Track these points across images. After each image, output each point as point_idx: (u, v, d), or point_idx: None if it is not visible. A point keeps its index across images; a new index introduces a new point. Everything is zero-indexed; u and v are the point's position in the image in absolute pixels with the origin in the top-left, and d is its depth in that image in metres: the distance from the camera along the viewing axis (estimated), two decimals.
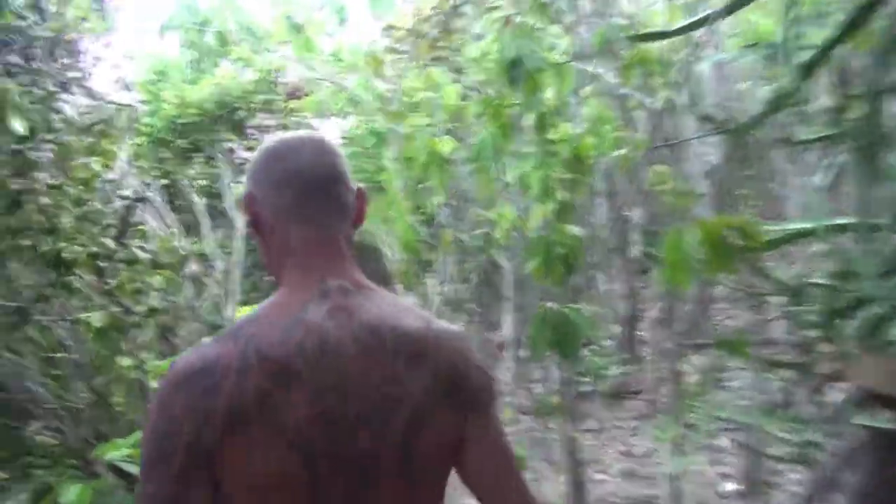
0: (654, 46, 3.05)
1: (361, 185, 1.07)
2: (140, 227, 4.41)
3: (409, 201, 4.19)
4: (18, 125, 2.64)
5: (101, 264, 3.40)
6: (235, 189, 8.45)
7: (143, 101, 8.19)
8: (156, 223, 5.28)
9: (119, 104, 4.49)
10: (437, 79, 4.56)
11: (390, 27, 8.32)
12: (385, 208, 4.03)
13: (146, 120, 8.70)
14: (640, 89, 3.42)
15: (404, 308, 1.01)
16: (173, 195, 7.84)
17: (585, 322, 2.05)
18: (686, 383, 4.26)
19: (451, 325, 1.07)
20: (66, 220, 3.09)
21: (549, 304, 2.22)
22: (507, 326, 7.59)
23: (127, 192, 3.66)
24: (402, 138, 4.25)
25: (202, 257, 5.60)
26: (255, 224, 1.02)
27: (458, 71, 5.48)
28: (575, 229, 2.40)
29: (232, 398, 0.84)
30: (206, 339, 1.05)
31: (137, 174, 5.59)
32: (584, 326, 2.06)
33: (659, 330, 5.56)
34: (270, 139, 1.06)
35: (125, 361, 3.22)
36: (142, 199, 3.73)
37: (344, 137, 10.02)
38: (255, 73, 8.94)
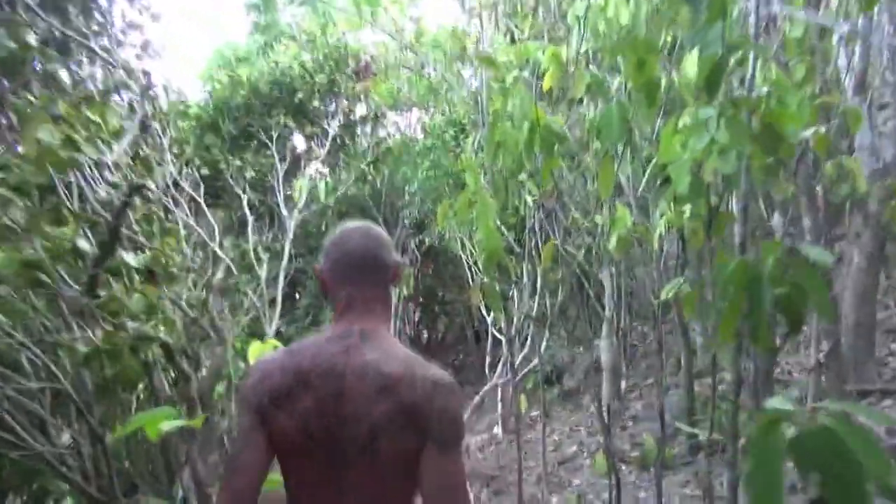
0: None
1: (399, 260, 1.60)
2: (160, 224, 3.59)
3: (496, 199, 3.15)
4: None
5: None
6: (295, 183, 7.82)
7: (199, 86, 7.48)
8: (192, 221, 4.48)
9: (134, 74, 3.63)
10: (532, 51, 3.48)
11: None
12: (463, 210, 3.00)
13: (197, 104, 7.95)
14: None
15: (397, 355, 1.45)
16: (220, 188, 7.13)
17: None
18: None
19: (437, 375, 1.43)
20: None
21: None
22: (605, 353, 6.49)
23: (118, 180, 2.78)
24: (489, 124, 3.21)
25: (243, 262, 4.80)
26: (322, 286, 1.58)
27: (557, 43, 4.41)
28: (815, 252, 1.28)
29: (273, 388, 1.42)
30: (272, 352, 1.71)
31: (175, 162, 4.82)
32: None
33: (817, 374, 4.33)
34: (339, 228, 1.59)
35: None
36: (139, 189, 2.84)
37: (424, 129, 9.23)
38: (318, 52, 7.96)
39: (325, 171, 8.46)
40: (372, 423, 1.36)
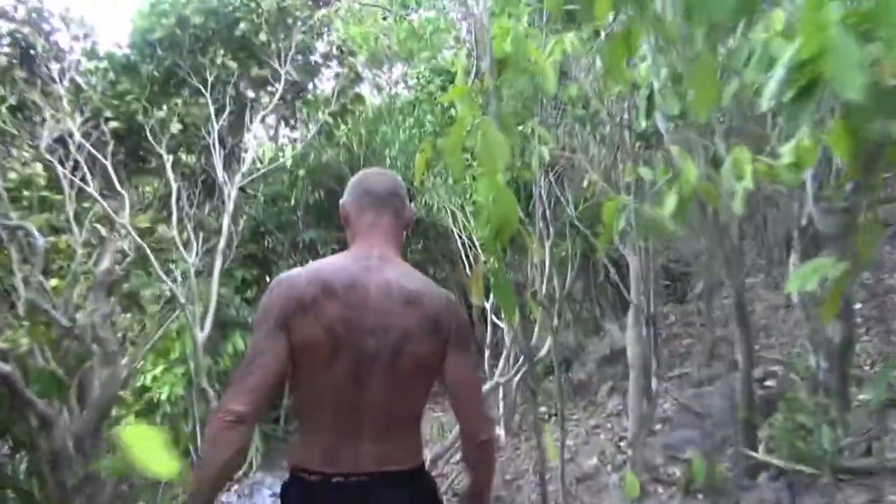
0: None
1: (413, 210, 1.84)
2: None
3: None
4: None
5: None
6: (247, 145, 6.76)
7: None
8: (94, 189, 3.30)
9: None
10: None
11: None
12: (453, 152, 1.90)
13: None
14: None
15: (415, 275, 1.70)
16: (147, 150, 5.51)
17: None
18: None
19: (448, 293, 1.73)
20: None
21: None
22: (632, 346, 5.31)
23: None
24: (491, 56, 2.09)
25: (160, 246, 3.65)
26: (344, 219, 1.76)
27: None
28: None
29: (300, 297, 1.55)
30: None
31: (79, 113, 3.65)
32: None
33: None
34: (362, 171, 1.89)
35: None
36: None
37: (407, 83, 8.09)
38: None
39: (286, 130, 7.30)
40: (403, 331, 1.59)
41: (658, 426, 5.34)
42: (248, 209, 7.09)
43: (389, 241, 1.71)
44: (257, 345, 1.55)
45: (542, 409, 6.44)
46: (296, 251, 7.44)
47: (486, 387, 6.74)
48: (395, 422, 1.63)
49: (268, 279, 7.92)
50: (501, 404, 6.50)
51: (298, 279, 1.58)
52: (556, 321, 5.72)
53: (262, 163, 6.95)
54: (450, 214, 6.33)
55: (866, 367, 4.62)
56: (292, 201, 6.94)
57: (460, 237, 6.20)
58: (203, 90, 5.40)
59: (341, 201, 1.77)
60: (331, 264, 1.65)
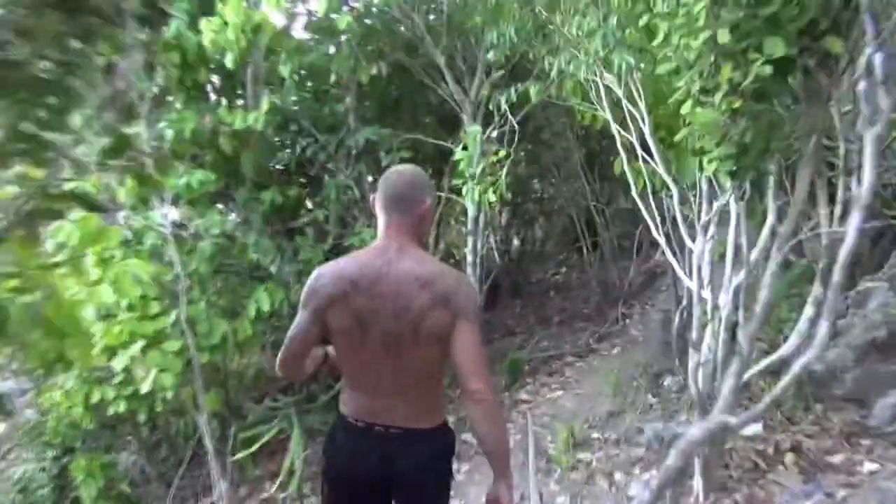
0: None
1: (430, 200, 2.08)
2: None
3: None
4: None
5: None
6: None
7: None
8: None
9: None
10: None
11: None
12: None
13: None
14: None
15: (427, 260, 2.01)
16: None
17: None
18: None
19: (458, 273, 2.05)
20: None
21: None
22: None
23: None
24: None
25: None
26: (373, 209, 2.08)
27: None
28: None
29: (331, 293, 1.95)
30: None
31: None
32: None
33: None
34: (389, 170, 2.15)
35: None
36: None
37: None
38: None
39: None
40: (420, 309, 1.90)
41: None
42: (268, 91, 4.62)
43: (405, 234, 2.02)
44: (297, 324, 2.04)
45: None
46: (347, 161, 4.95)
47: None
48: (421, 385, 2.02)
49: (308, 203, 5.52)
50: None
51: (332, 276, 1.98)
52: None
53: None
54: (591, 86, 3.64)
55: None
56: (333, 78, 4.42)
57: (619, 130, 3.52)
58: None
59: (371, 196, 2.10)
60: (357, 261, 2.00)
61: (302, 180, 5.69)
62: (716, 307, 3.04)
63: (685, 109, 2.48)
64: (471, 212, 4.68)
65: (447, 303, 1.89)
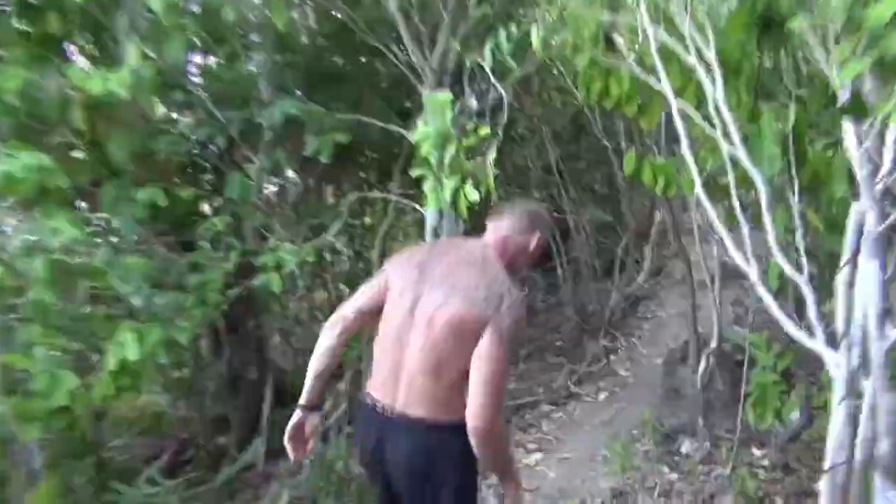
0: None
1: (537, 238, 2.10)
2: None
3: None
4: None
5: None
6: None
7: None
8: None
9: None
10: None
11: None
12: None
13: None
14: None
15: (498, 266, 1.97)
16: None
17: None
18: None
19: (509, 284, 1.92)
20: None
21: None
22: None
23: None
24: None
25: None
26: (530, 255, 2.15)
27: None
28: None
29: (398, 254, 2.17)
30: None
31: None
32: None
33: None
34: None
35: None
36: None
37: None
38: None
39: None
40: (459, 287, 1.88)
41: None
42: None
43: (499, 247, 2.04)
44: (369, 283, 2.13)
45: None
46: (259, 148, 3.54)
47: None
48: (435, 377, 1.88)
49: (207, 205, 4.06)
50: None
51: (410, 251, 2.17)
52: None
53: None
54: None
55: None
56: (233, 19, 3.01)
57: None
58: None
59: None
60: (437, 245, 2.34)
61: (208, 176, 4.25)
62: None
63: None
64: (429, 220, 3.36)
65: (488, 298, 1.85)
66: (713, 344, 3.34)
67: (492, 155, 2.61)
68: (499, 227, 2.05)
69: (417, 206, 3.44)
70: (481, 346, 1.79)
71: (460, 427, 1.80)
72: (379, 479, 2.06)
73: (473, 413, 1.76)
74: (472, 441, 1.79)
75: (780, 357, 3.07)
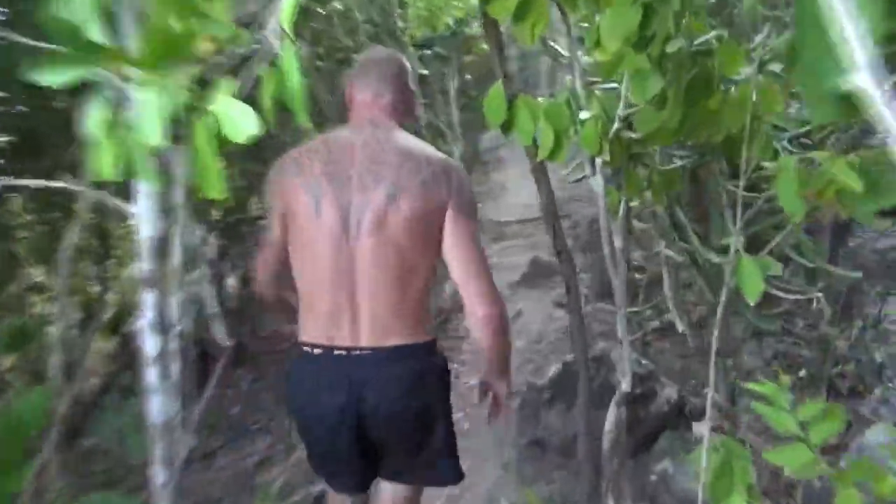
0: None
1: (414, 89, 1.75)
2: None
3: None
4: None
5: None
6: None
7: None
8: None
9: None
10: None
11: None
12: None
13: None
14: None
15: (411, 137, 1.63)
16: None
17: None
18: None
19: (439, 154, 1.63)
20: None
21: None
22: None
23: None
24: None
25: None
26: (349, 101, 1.72)
27: None
28: None
29: (282, 166, 1.62)
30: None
31: None
32: None
33: None
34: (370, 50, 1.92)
35: None
36: None
37: None
38: None
39: None
40: (395, 181, 1.51)
41: None
42: None
43: (383, 110, 1.67)
44: (268, 220, 1.70)
45: None
46: None
47: None
48: (392, 289, 1.55)
49: None
50: None
51: (289, 157, 1.64)
52: None
53: None
54: None
55: None
56: None
57: None
58: None
59: (347, 85, 1.75)
60: (327, 137, 1.65)
61: None
62: None
63: None
64: (145, 230, 1.80)
65: (436, 182, 1.56)
66: (624, 385, 2.19)
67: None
68: (375, 91, 1.68)
69: None
70: (451, 231, 1.57)
71: (434, 344, 1.65)
72: (343, 444, 1.61)
73: (479, 301, 1.56)
74: (486, 333, 1.58)
75: None
